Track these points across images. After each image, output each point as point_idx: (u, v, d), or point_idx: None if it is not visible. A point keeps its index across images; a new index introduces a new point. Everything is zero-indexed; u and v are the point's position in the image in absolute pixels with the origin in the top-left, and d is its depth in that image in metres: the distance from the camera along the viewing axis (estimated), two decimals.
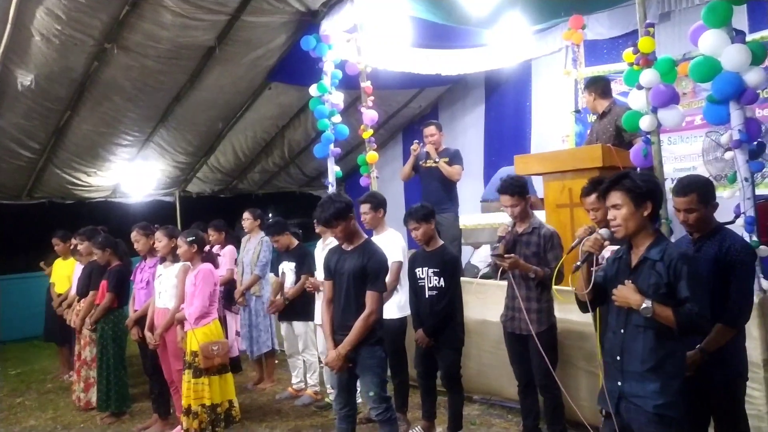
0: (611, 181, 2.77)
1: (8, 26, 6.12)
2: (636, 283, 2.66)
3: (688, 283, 2.57)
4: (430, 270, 4.41)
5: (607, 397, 2.77)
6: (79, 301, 6.03)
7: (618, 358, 2.72)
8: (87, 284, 5.89)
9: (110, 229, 6.29)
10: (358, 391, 4.18)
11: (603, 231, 2.80)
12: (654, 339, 2.63)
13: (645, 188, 2.70)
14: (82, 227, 6.39)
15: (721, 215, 3.58)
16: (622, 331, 2.73)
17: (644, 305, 2.57)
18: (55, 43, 6.43)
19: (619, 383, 2.71)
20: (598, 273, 2.89)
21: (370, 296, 3.76)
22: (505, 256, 3.99)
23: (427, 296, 4.41)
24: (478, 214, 7.92)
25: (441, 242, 4.58)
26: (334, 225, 3.81)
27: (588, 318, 3.99)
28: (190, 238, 4.78)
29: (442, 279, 4.37)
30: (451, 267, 4.44)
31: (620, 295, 2.68)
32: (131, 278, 5.62)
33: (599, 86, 5.53)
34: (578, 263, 2.85)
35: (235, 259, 6.67)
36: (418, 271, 4.47)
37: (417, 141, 6.46)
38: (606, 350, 2.80)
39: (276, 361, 6.61)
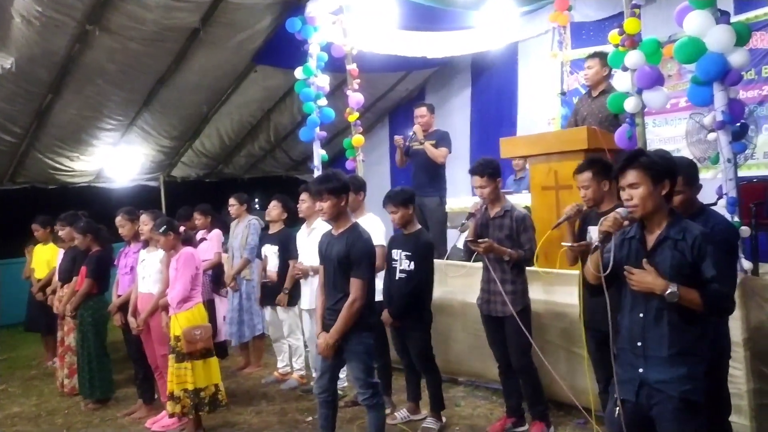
0: (627, 159, 2.63)
1: None
2: (655, 265, 2.52)
3: (714, 262, 2.47)
4: (403, 253, 4.43)
5: (618, 384, 2.65)
6: (62, 287, 5.98)
7: (639, 343, 2.58)
8: (71, 270, 5.83)
9: (94, 214, 6.22)
10: (340, 377, 4.18)
11: (621, 210, 2.64)
12: (679, 322, 2.51)
13: (663, 166, 2.58)
14: (65, 213, 6.33)
15: (704, 196, 3.61)
16: (642, 315, 2.58)
17: (670, 290, 2.43)
18: (36, 25, 6.32)
19: (641, 370, 2.57)
20: (605, 255, 2.72)
21: (354, 283, 3.72)
22: (479, 240, 4.01)
23: (397, 278, 4.44)
24: (464, 197, 7.92)
25: (419, 226, 4.58)
26: (324, 198, 3.74)
27: (570, 299, 4.03)
28: (163, 228, 4.70)
29: (412, 263, 4.39)
30: (422, 251, 4.44)
31: (640, 280, 2.53)
32: (114, 263, 5.57)
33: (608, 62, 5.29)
34: (597, 243, 2.72)
35: (223, 243, 6.64)
36: (394, 252, 4.49)
37: (402, 136, 6.46)
38: (623, 336, 2.67)
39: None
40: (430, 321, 4.55)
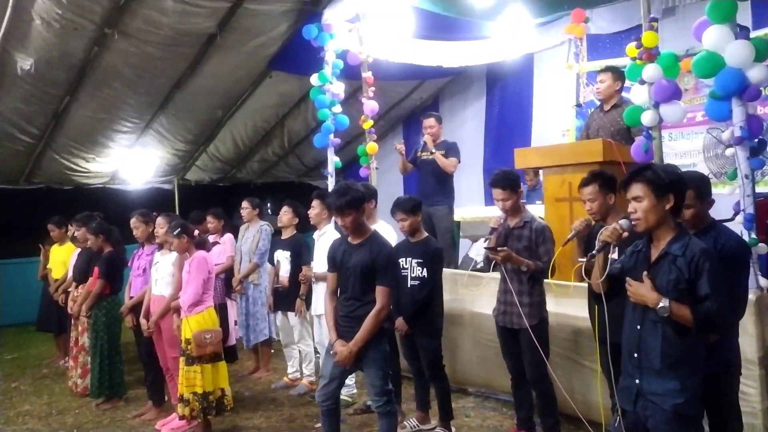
0: (633, 173, 2.67)
1: (8, 10, 6.07)
2: (655, 278, 2.57)
3: (709, 280, 2.48)
4: (414, 260, 4.43)
5: (618, 394, 2.71)
6: (77, 287, 6.02)
7: (635, 354, 2.64)
8: (85, 270, 5.87)
9: (108, 216, 6.26)
10: (348, 384, 4.15)
11: (623, 222, 2.72)
12: (673, 335, 2.54)
13: (667, 180, 2.59)
14: (79, 213, 6.38)
15: (721, 212, 3.58)
16: (639, 327, 2.63)
17: (661, 304, 2.50)
18: (56, 28, 6.38)
19: (637, 381, 2.63)
20: (614, 265, 2.81)
21: (380, 291, 3.73)
22: (498, 249, 3.98)
23: (409, 286, 4.43)
24: (477, 206, 7.92)
25: (425, 234, 4.59)
26: (347, 213, 3.73)
27: (583, 312, 4.00)
28: (177, 231, 4.74)
29: (425, 269, 4.39)
30: (434, 258, 4.45)
31: (636, 292, 2.60)
32: (128, 265, 5.61)
33: (624, 77, 5.27)
34: (594, 252, 2.78)
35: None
36: (402, 261, 4.45)
37: (401, 141, 6.49)
38: (623, 346, 2.73)
39: (272, 351, 6.60)
40: (442, 327, 4.55)
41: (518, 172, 4.29)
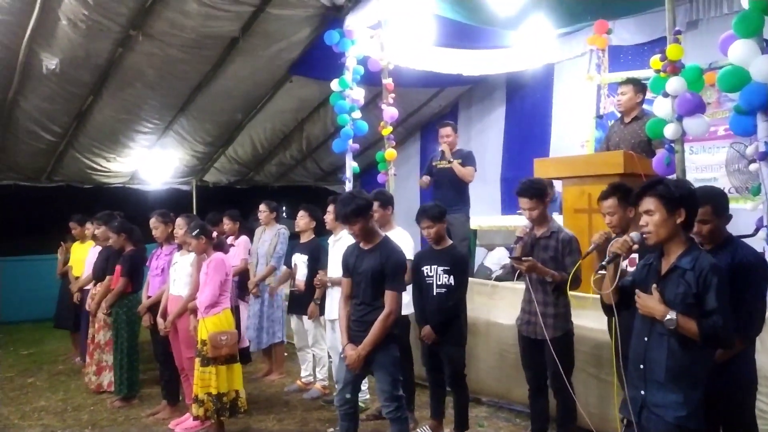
0: (645, 186, 2.70)
1: (36, 9, 6.18)
2: (664, 291, 2.60)
3: (717, 294, 2.50)
4: (440, 268, 4.38)
5: (630, 405, 2.72)
6: (95, 285, 6.08)
7: (641, 366, 2.66)
8: (104, 268, 5.93)
9: (127, 215, 6.32)
10: (362, 389, 4.16)
11: (634, 234, 2.75)
12: (678, 348, 2.56)
13: (678, 194, 2.63)
14: (99, 212, 6.45)
15: (743, 228, 3.54)
16: (646, 338, 2.66)
17: (668, 317, 2.52)
18: (82, 28, 6.48)
19: (642, 392, 2.65)
20: (626, 278, 2.84)
21: (389, 296, 3.76)
22: (523, 258, 3.94)
23: (435, 293, 4.38)
24: (494, 216, 7.90)
25: (450, 241, 4.56)
26: (353, 221, 3.79)
27: (601, 324, 3.98)
28: (196, 232, 4.78)
29: (452, 277, 4.35)
30: (461, 265, 4.44)
31: (644, 304, 2.63)
32: (147, 264, 5.66)
33: (645, 89, 5.29)
34: (603, 263, 2.81)
35: (248, 250, 6.70)
36: (426, 268, 4.42)
37: (427, 177, 6.48)
38: (629, 357, 2.75)
39: (285, 354, 6.62)
40: (467, 335, 4.52)
41: (545, 182, 4.24)
